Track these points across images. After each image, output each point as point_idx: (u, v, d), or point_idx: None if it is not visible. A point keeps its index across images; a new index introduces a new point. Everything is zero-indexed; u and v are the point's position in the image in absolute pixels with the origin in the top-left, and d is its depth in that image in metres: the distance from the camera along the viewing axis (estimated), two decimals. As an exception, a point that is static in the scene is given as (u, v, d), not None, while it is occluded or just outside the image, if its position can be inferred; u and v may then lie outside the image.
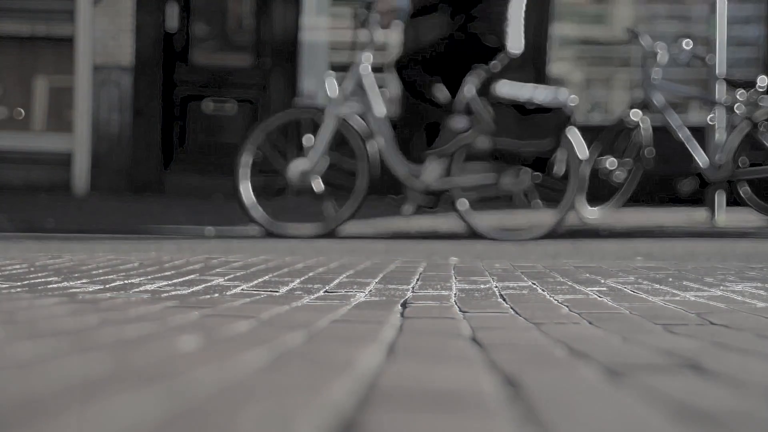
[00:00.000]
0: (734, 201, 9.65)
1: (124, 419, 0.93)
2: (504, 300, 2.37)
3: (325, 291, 2.55)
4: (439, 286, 2.73)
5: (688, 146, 9.69)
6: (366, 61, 7.28)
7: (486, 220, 7.08)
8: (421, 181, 6.93)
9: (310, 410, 0.98)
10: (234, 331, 1.68)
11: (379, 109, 7.25)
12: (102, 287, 2.59)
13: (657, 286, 2.79)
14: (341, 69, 13.20)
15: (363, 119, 7.26)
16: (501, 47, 7.19)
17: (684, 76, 10.88)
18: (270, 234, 7.01)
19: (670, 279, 3.06)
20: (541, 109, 7.12)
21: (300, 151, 7.31)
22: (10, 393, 1.06)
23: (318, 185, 7.11)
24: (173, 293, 2.43)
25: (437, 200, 6.95)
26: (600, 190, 9.68)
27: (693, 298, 2.43)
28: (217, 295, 2.41)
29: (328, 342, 1.57)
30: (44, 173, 11.49)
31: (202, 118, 12.91)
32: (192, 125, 12.93)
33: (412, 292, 2.57)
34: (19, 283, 2.68)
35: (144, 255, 4.35)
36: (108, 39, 12.59)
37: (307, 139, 7.24)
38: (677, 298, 2.42)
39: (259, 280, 2.90)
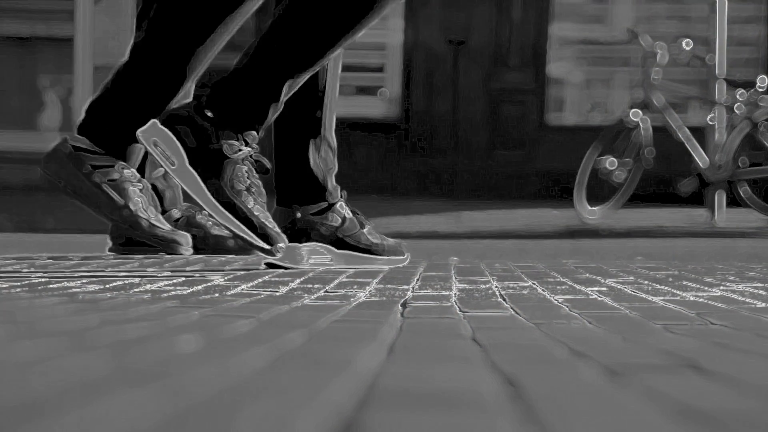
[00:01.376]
0: (734, 201, 9.65)
1: (124, 419, 0.93)
2: (504, 300, 2.37)
3: (325, 291, 2.55)
4: (439, 286, 2.73)
5: (688, 146, 9.70)
6: None
7: None
8: None
9: (310, 410, 0.98)
10: (234, 331, 1.68)
11: None
12: (102, 287, 2.60)
13: (657, 286, 2.79)
14: (341, 69, 13.20)
15: None
16: None
17: (684, 76, 10.88)
18: None
19: (670, 279, 3.06)
20: None
21: None
22: (10, 393, 1.06)
23: None
24: (173, 293, 2.43)
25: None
26: (600, 190, 9.68)
27: (693, 298, 2.43)
28: (217, 295, 2.41)
29: (328, 342, 1.57)
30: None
31: (202, 118, 12.93)
32: (192, 125, 12.95)
33: (412, 292, 2.57)
34: (19, 283, 2.68)
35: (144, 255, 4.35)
36: (108, 39, 12.58)
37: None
38: (677, 298, 2.42)
39: (259, 280, 2.90)
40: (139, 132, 3.08)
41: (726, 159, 9.54)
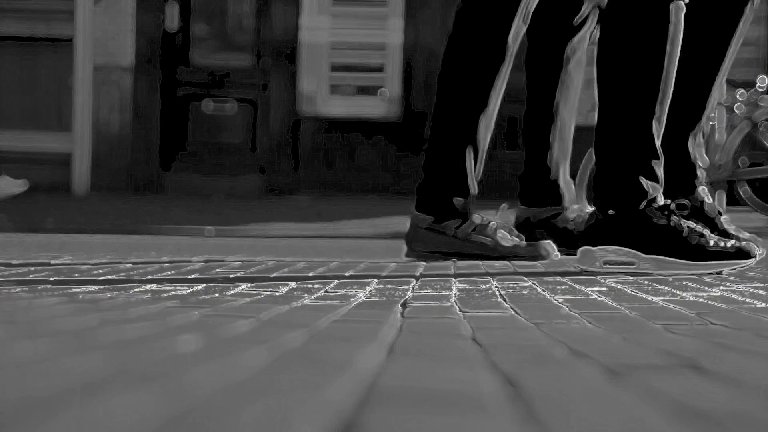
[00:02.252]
0: (734, 201, 9.65)
1: (124, 419, 0.93)
2: (504, 300, 2.37)
3: (325, 291, 2.55)
4: (439, 286, 2.73)
5: (688, 146, 9.68)
6: None
7: None
8: None
9: (310, 410, 0.98)
10: (234, 331, 1.68)
11: None
12: (102, 287, 2.60)
13: (657, 286, 2.79)
14: (341, 69, 13.19)
15: None
16: None
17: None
18: None
19: (670, 279, 3.06)
20: None
21: None
22: (10, 393, 1.06)
23: None
24: (173, 293, 2.43)
25: None
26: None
27: (693, 298, 2.43)
28: (217, 295, 2.41)
29: (328, 342, 1.57)
30: (44, 173, 11.49)
31: (202, 118, 12.91)
32: (192, 125, 12.93)
33: (412, 292, 2.57)
34: (19, 283, 2.68)
35: (144, 255, 4.35)
36: (108, 39, 12.58)
37: None
38: (677, 298, 2.43)
39: (259, 280, 2.90)
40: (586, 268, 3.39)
41: (726, 159, 9.53)
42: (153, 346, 1.48)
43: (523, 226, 4.34)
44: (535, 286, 2.75)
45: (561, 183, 4.42)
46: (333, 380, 1.17)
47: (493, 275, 3.16)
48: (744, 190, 9.49)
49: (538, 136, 4.52)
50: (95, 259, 3.90)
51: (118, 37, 12.41)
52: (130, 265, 3.58)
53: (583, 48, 4.53)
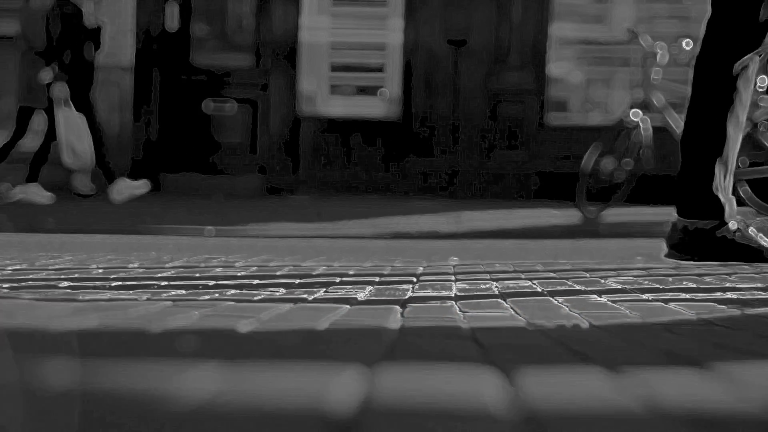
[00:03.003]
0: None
1: (124, 419, 0.93)
2: (504, 300, 2.37)
3: (325, 291, 2.55)
4: (439, 286, 2.73)
5: (688, 146, 9.67)
6: None
7: None
8: None
9: (310, 410, 0.98)
10: (234, 331, 1.68)
11: None
12: (102, 287, 2.59)
13: (657, 286, 2.79)
14: (341, 69, 13.19)
15: None
16: None
17: (684, 76, 10.86)
18: None
19: (670, 279, 3.06)
20: None
21: None
22: (10, 393, 1.06)
23: None
24: (173, 293, 2.43)
25: None
26: (600, 190, 9.67)
27: (693, 298, 2.43)
28: (217, 295, 2.41)
29: (328, 342, 1.57)
30: (44, 173, 11.49)
31: (202, 118, 12.91)
32: (192, 125, 12.93)
33: (412, 292, 2.57)
34: (19, 284, 2.68)
35: (144, 255, 4.35)
36: (108, 39, 12.57)
37: None
38: (677, 298, 2.43)
39: (260, 280, 2.90)
40: None
41: (726, 159, 9.52)
42: (153, 346, 1.48)
43: (679, 236, 4.33)
44: (535, 286, 2.75)
45: (722, 197, 4.34)
46: (333, 380, 1.17)
47: (493, 275, 3.16)
48: (744, 190, 9.49)
49: (699, 149, 4.44)
50: (95, 259, 3.90)
51: (118, 37, 12.41)
52: (131, 265, 3.58)
53: (754, 64, 4.44)
